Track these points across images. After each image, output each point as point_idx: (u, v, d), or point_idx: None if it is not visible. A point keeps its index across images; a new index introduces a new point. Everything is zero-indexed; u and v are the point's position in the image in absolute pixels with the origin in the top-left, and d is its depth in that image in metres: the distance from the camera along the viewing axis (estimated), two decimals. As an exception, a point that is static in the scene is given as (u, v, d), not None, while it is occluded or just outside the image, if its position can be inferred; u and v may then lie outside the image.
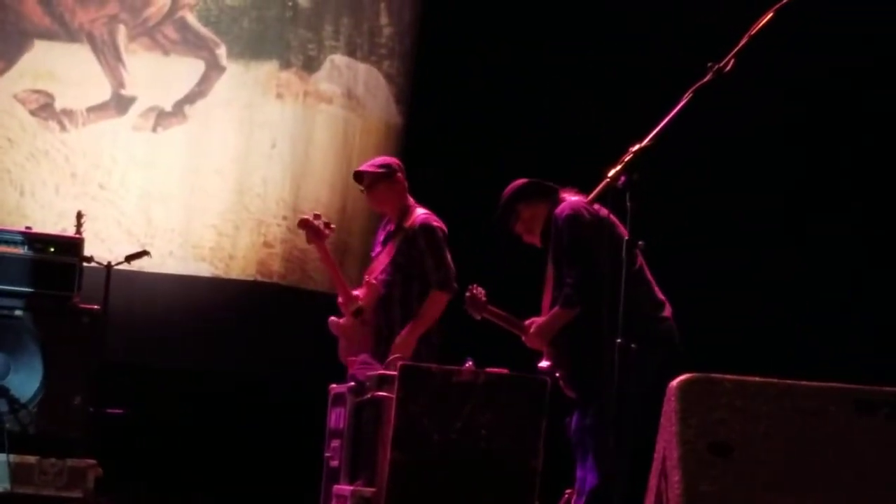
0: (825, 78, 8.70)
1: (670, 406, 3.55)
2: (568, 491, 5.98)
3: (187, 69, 9.04)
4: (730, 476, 3.47)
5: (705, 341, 7.57)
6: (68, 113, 8.84)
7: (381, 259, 6.63)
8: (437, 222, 6.54)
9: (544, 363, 5.96)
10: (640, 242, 3.97)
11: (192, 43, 9.05)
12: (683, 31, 8.60)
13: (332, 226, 6.71)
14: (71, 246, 6.86)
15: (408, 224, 6.54)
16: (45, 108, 8.82)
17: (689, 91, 3.94)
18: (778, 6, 3.95)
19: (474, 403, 5.93)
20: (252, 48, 9.12)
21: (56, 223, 8.30)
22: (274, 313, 8.97)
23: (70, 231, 7.10)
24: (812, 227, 8.75)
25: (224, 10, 9.10)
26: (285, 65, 9.16)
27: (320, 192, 9.10)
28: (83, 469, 6.58)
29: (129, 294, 8.13)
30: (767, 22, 3.93)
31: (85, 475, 6.57)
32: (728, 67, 3.92)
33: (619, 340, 3.90)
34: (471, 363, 6.01)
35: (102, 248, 8.24)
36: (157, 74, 9.00)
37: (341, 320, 6.59)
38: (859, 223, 8.70)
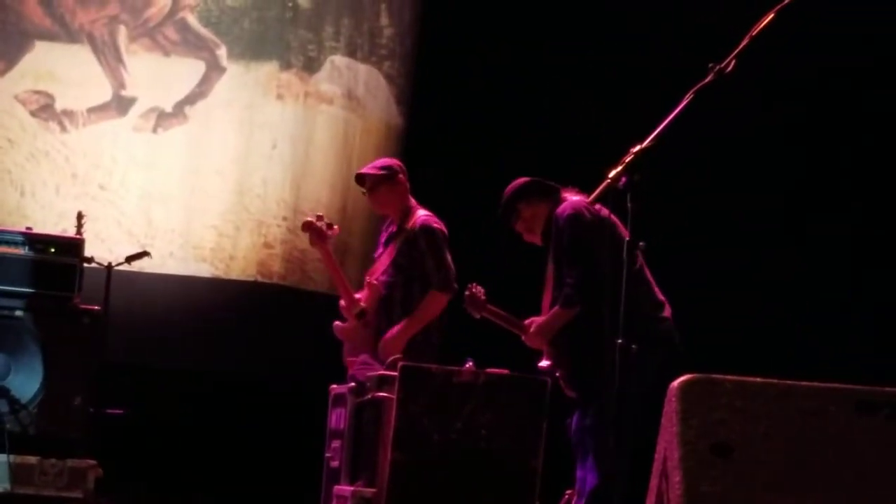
0: (825, 78, 8.70)
1: (671, 407, 3.55)
2: (568, 491, 5.98)
3: (188, 70, 9.04)
4: (730, 476, 3.47)
5: (705, 341, 7.58)
6: (69, 113, 8.84)
7: (383, 260, 6.63)
8: (437, 224, 6.54)
9: (544, 363, 5.96)
10: (640, 243, 3.98)
11: (192, 44, 9.06)
12: (684, 31, 8.60)
13: (335, 226, 6.72)
14: (71, 246, 6.86)
15: (409, 225, 6.54)
16: (45, 108, 8.82)
17: (690, 92, 3.94)
18: (779, 7, 3.95)
19: (475, 404, 5.93)
20: (252, 49, 9.12)
21: (56, 224, 8.31)
22: (274, 314, 8.97)
23: (70, 232, 7.10)
24: (812, 227, 8.76)
25: (224, 10, 9.11)
26: (286, 65, 9.16)
27: (321, 193, 9.10)
28: (83, 469, 6.58)
29: (129, 294, 8.14)
30: (768, 23, 3.93)
31: (85, 475, 6.57)
32: (729, 68, 3.92)
33: (619, 341, 3.90)
34: (471, 364, 6.02)
35: (103, 248, 8.25)
36: (157, 75, 9.01)
37: (345, 324, 6.59)
38: (859, 223, 8.70)
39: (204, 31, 9.06)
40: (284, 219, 9.07)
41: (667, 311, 5.87)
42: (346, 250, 8.93)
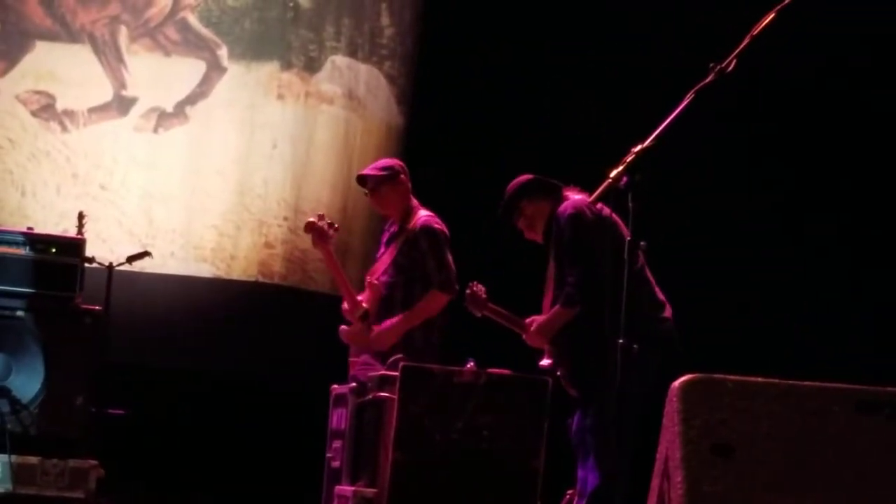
0: (825, 78, 8.70)
1: (672, 406, 3.55)
2: (570, 491, 5.98)
3: (188, 70, 9.05)
4: (732, 476, 3.47)
5: (705, 341, 7.58)
6: (70, 114, 8.85)
7: (384, 260, 6.63)
8: (438, 224, 6.54)
9: (545, 361, 5.96)
10: (641, 243, 3.98)
11: (193, 44, 9.06)
12: (685, 31, 8.60)
13: (336, 226, 6.72)
14: (72, 247, 6.85)
15: (410, 226, 6.54)
16: (46, 108, 8.82)
17: (691, 92, 3.94)
18: (779, 7, 3.95)
19: (476, 404, 5.93)
20: (253, 49, 9.12)
21: (57, 224, 8.31)
22: (275, 314, 8.97)
23: (71, 232, 7.10)
24: (811, 227, 8.76)
25: (225, 10, 9.10)
26: (286, 65, 9.16)
27: (321, 193, 9.10)
28: (85, 470, 6.58)
29: (130, 295, 8.14)
30: (769, 22, 3.93)
31: (87, 476, 6.57)
32: (730, 68, 3.92)
33: (620, 341, 3.90)
34: (472, 364, 6.02)
35: (104, 248, 8.25)
36: (158, 75, 9.01)
37: (349, 328, 6.58)
38: (859, 223, 8.70)
39: (205, 31, 9.06)
40: (285, 219, 9.07)
41: (667, 312, 5.87)
42: (346, 250, 8.93)
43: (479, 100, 9.24)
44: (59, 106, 8.84)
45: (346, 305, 6.58)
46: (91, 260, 7.10)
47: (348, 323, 6.57)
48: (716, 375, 3.60)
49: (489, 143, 9.02)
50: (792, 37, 4.88)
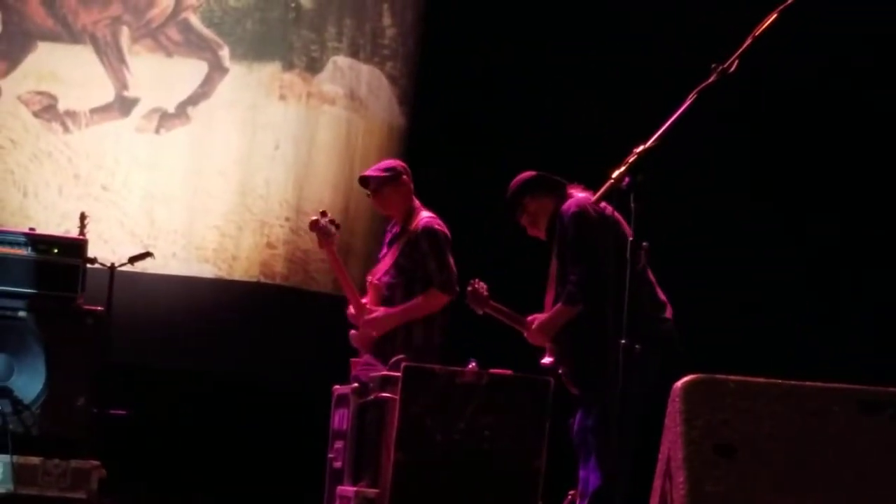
0: (827, 78, 8.70)
1: (675, 407, 3.55)
2: (571, 492, 5.99)
3: (190, 70, 9.05)
4: (734, 476, 3.47)
5: (708, 342, 7.58)
6: (71, 114, 8.85)
7: (385, 261, 6.63)
8: (440, 226, 6.54)
9: (547, 359, 5.96)
10: (644, 243, 3.98)
11: (195, 44, 9.06)
12: (687, 31, 8.60)
13: (339, 223, 6.72)
14: (74, 247, 6.86)
15: (412, 227, 6.54)
16: (48, 109, 8.82)
17: (694, 92, 3.93)
18: (782, 7, 3.94)
19: (477, 404, 5.93)
20: (255, 49, 9.12)
21: (59, 224, 8.31)
22: (277, 314, 8.97)
23: (73, 232, 7.09)
24: (814, 228, 8.75)
25: (227, 11, 9.10)
26: (288, 66, 9.16)
27: (323, 194, 9.10)
28: (87, 470, 6.58)
29: (132, 295, 8.14)
30: (771, 23, 3.93)
31: (88, 476, 6.57)
32: (732, 68, 3.92)
33: (623, 341, 3.90)
34: (474, 364, 6.02)
35: (106, 249, 8.25)
36: (160, 76, 9.01)
37: (357, 332, 6.58)
38: (859, 223, 8.69)
39: (206, 32, 9.07)
40: (287, 219, 9.07)
41: (668, 313, 5.87)
42: (348, 251, 8.93)
43: (480, 100, 9.24)
44: (61, 107, 8.84)
45: (351, 310, 6.58)
46: (93, 260, 7.10)
47: (356, 327, 6.57)
48: (718, 376, 3.60)
49: (491, 143, 9.02)
50: (794, 37, 4.88)
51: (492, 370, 6.02)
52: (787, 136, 8.82)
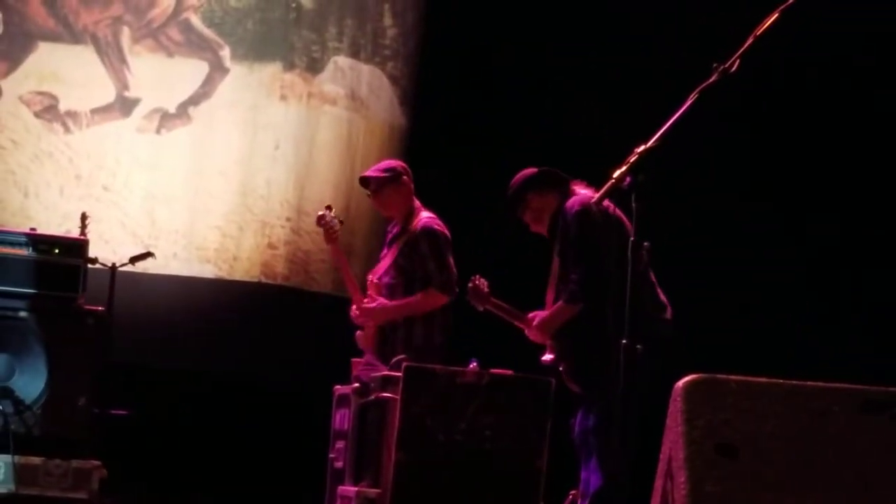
0: (829, 78, 8.70)
1: (676, 407, 3.55)
2: (572, 492, 5.99)
3: (191, 71, 9.05)
4: (736, 477, 3.47)
5: (708, 341, 7.59)
6: (72, 115, 8.85)
7: (385, 261, 6.64)
8: (439, 226, 6.55)
9: (547, 356, 5.96)
10: (645, 244, 3.97)
11: (196, 45, 9.06)
12: (688, 31, 8.60)
13: (342, 220, 6.73)
14: (75, 247, 6.85)
15: (412, 227, 6.55)
16: (49, 109, 8.82)
17: (695, 92, 3.93)
18: (783, 7, 3.94)
19: (478, 404, 5.94)
20: (256, 50, 9.12)
21: (60, 225, 8.31)
22: (278, 315, 8.97)
23: (74, 232, 7.09)
24: (815, 228, 8.75)
25: (228, 11, 9.11)
26: (289, 66, 9.16)
27: (324, 194, 9.09)
28: (88, 470, 6.57)
29: (133, 295, 8.14)
30: (773, 23, 3.93)
31: (90, 476, 6.57)
32: (733, 68, 3.91)
33: (624, 341, 3.90)
34: (475, 364, 6.02)
35: (107, 249, 8.26)
36: (161, 76, 9.01)
37: (365, 333, 6.59)
38: (862, 223, 8.69)
39: (207, 32, 9.07)
40: (288, 219, 9.07)
41: (668, 313, 5.87)
42: (349, 251, 8.93)
43: (481, 100, 9.24)
44: (62, 107, 8.84)
45: (355, 310, 6.59)
46: (94, 261, 7.10)
47: (360, 328, 6.58)
48: (719, 375, 3.59)
49: (492, 143, 9.02)
50: (795, 37, 4.88)
51: (493, 370, 6.02)
52: (788, 135, 8.82)
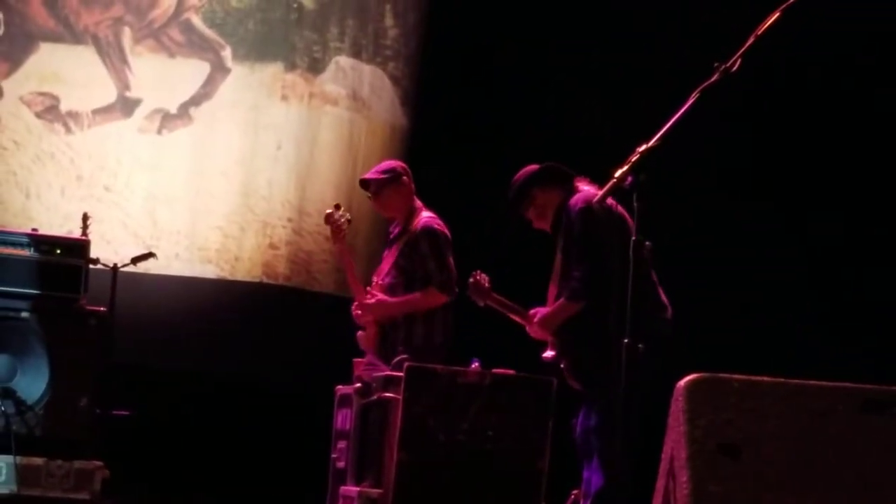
0: (830, 77, 8.70)
1: (678, 406, 3.55)
2: (574, 492, 5.98)
3: (192, 71, 9.05)
4: (738, 476, 3.47)
5: (710, 341, 7.59)
6: (74, 115, 8.85)
7: (386, 261, 6.65)
8: (439, 226, 6.55)
9: (549, 353, 5.96)
10: (647, 243, 3.97)
11: (197, 45, 9.06)
12: (689, 30, 8.60)
13: (350, 218, 6.73)
14: (77, 248, 6.85)
15: (412, 227, 6.55)
16: (50, 110, 8.82)
17: (696, 91, 3.93)
18: (785, 6, 3.94)
19: (480, 404, 5.94)
20: (257, 50, 9.12)
21: (62, 225, 8.31)
22: (279, 315, 8.98)
23: (76, 233, 7.10)
24: (816, 227, 8.75)
25: (229, 12, 9.11)
26: (290, 66, 9.16)
27: (325, 194, 9.10)
28: (90, 471, 6.58)
29: (135, 296, 8.14)
30: (774, 22, 3.92)
31: (92, 477, 6.57)
32: (735, 67, 3.91)
33: (626, 340, 3.90)
34: (477, 364, 6.02)
35: (108, 249, 8.26)
36: (162, 76, 9.01)
37: (366, 333, 6.60)
38: (864, 223, 8.69)
39: (209, 33, 9.07)
40: (289, 220, 9.07)
41: (668, 314, 5.87)
42: (351, 251, 8.93)
43: (483, 100, 9.24)
44: (63, 107, 8.84)
45: (357, 310, 6.60)
46: (95, 261, 7.10)
47: (362, 328, 6.58)
48: (721, 375, 3.59)
49: (493, 143, 9.02)
50: (797, 36, 4.88)
51: (495, 370, 6.02)
52: (790, 135, 8.82)
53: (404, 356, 6.26)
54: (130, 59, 8.95)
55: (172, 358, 8.66)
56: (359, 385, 6.33)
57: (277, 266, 9.09)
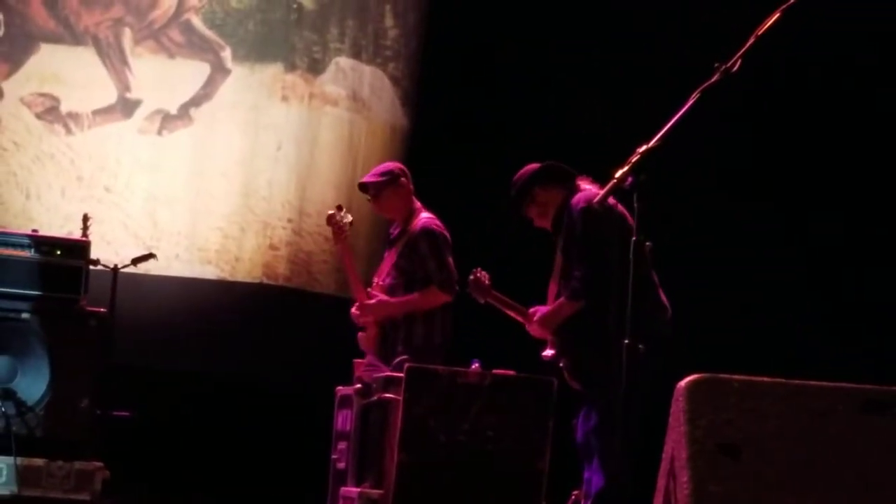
0: (831, 78, 8.70)
1: (678, 406, 3.55)
2: (575, 492, 5.98)
3: (192, 72, 9.05)
4: (739, 476, 3.47)
5: (710, 341, 7.59)
6: (74, 116, 8.85)
7: (386, 262, 6.66)
8: (438, 226, 6.55)
9: (548, 352, 5.96)
10: (647, 244, 3.97)
11: (197, 46, 9.06)
12: (690, 30, 8.60)
13: (351, 219, 6.73)
14: (77, 249, 6.85)
15: (411, 228, 6.56)
16: (50, 111, 8.82)
17: (697, 91, 3.93)
18: (785, 6, 3.94)
19: (481, 405, 5.93)
20: (257, 51, 9.12)
21: (62, 226, 8.31)
22: (279, 316, 8.98)
23: (76, 234, 7.10)
24: (816, 227, 8.75)
25: (229, 12, 9.11)
26: (290, 67, 9.16)
27: (326, 195, 9.10)
28: (90, 472, 6.58)
29: (135, 297, 8.14)
30: (774, 22, 3.92)
31: (92, 478, 6.57)
32: (735, 68, 3.91)
33: (626, 341, 3.90)
34: (477, 365, 6.02)
35: (109, 250, 8.26)
36: (162, 77, 9.01)
37: (367, 334, 6.60)
38: (864, 223, 8.69)
39: (209, 33, 9.07)
40: (290, 220, 9.07)
41: (668, 314, 5.87)
42: (352, 252, 8.93)
43: (483, 100, 9.24)
44: (64, 108, 8.84)
45: (355, 310, 6.60)
46: (96, 262, 7.10)
47: (363, 329, 6.58)
48: (721, 375, 3.59)
49: (494, 143, 9.02)
50: (797, 36, 4.88)
51: (495, 370, 6.02)
52: (790, 135, 8.82)
53: (404, 357, 6.26)
54: (131, 59, 8.95)
55: (173, 359, 8.66)
56: (359, 386, 6.33)
57: (278, 267, 9.09)
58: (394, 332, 6.50)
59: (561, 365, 5.91)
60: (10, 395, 6.55)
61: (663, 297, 5.88)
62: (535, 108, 9.15)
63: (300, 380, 8.57)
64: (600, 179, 5.61)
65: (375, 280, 6.63)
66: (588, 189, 5.88)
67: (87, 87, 8.91)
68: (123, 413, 7.33)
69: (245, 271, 9.03)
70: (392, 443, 5.93)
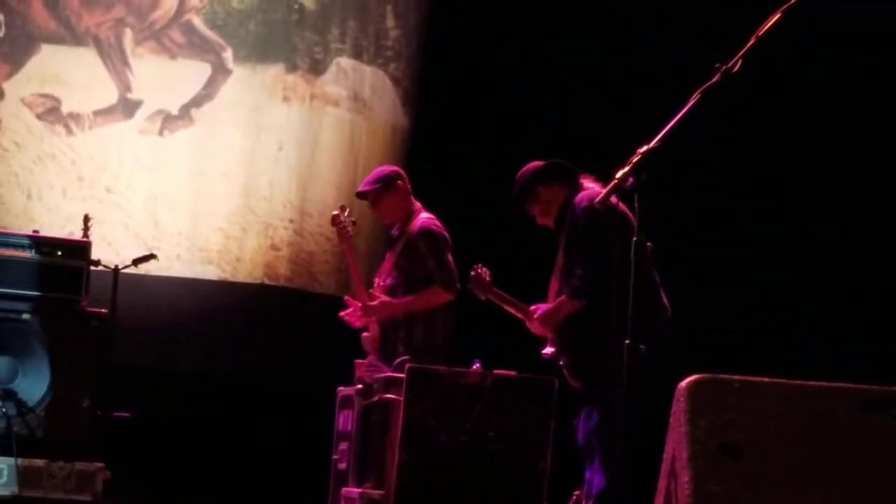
0: (831, 78, 8.70)
1: (679, 406, 3.55)
2: (576, 492, 5.98)
3: (194, 72, 9.05)
4: (739, 476, 3.47)
5: (710, 341, 7.59)
6: (75, 116, 8.85)
7: (387, 263, 6.67)
8: (437, 226, 6.56)
9: (548, 349, 5.95)
10: (648, 244, 3.97)
11: (198, 46, 9.06)
12: (690, 30, 8.60)
13: (354, 220, 6.74)
14: (78, 249, 6.85)
15: (410, 228, 6.57)
16: (51, 111, 8.83)
17: (697, 92, 3.93)
18: (786, 6, 3.94)
19: (482, 405, 5.94)
20: (258, 51, 9.13)
21: (63, 227, 8.32)
22: (280, 316, 8.98)
23: (77, 234, 7.10)
24: (817, 227, 8.75)
25: (230, 13, 9.11)
26: (291, 68, 9.16)
27: (327, 195, 9.10)
28: (91, 472, 6.58)
29: (136, 297, 8.14)
30: (775, 22, 3.92)
31: (93, 478, 6.57)
32: (736, 68, 3.91)
33: (627, 341, 3.90)
34: (478, 365, 6.02)
35: (110, 251, 8.26)
36: (163, 78, 9.01)
37: (371, 334, 6.60)
38: (865, 223, 8.69)
39: (210, 34, 9.07)
40: (291, 221, 9.07)
41: (668, 315, 5.87)
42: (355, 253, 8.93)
43: (484, 100, 9.24)
44: (65, 109, 8.85)
45: (346, 313, 6.62)
46: (97, 263, 7.11)
47: (366, 329, 6.59)
48: (722, 375, 3.59)
49: (495, 143, 9.02)
50: (798, 36, 4.88)
51: (496, 371, 6.02)
52: (790, 135, 8.82)
53: (405, 357, 6.26)
54: (132, 60, 8.96)
55: (173, 359, 8.66)
56: (360, 386, 6.34)
57: (279, 267, 9.09)
58: (394, 332, 6.51)
59: (561, 363, 5.91)
60: (10, 395, 6.55)
61: (664, 298, 5.88)
62: (536, 108, 9.15)
63: (301, 380, 8.57)
64: (601, 180, 5.62)
65: (376, 280, 6.64)
66: (591, 187, 5.88)
67: (88, 88, 8.91)
68: (124, 413, 7.33)
69: (246, 272, 9.03)
70: (393, 443, 5.93)
